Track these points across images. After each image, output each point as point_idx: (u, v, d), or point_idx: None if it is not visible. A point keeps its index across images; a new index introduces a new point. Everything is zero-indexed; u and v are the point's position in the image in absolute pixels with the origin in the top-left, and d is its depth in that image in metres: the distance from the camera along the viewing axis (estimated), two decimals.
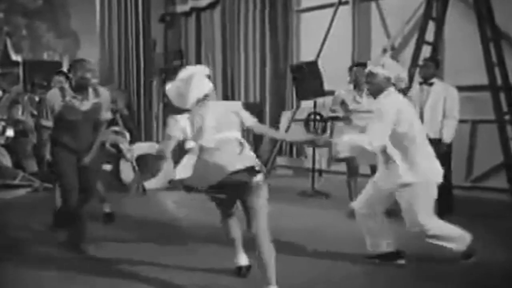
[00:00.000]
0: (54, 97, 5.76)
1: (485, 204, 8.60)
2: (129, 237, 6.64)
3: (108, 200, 7.53)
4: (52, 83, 7.54)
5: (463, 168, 9.48)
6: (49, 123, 5.82)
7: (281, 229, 5.97)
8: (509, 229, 6.91)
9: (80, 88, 5.75)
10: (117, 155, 9.85)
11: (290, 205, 8.54)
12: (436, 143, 7.16)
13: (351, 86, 7.74)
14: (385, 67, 5.25)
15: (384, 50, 10.99)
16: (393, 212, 7.06)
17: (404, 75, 5.35)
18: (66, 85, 5.89)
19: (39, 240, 6.43)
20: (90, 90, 5.82)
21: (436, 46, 8.99)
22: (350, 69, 8.03)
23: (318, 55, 10.83)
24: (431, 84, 7.30)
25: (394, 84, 5.23)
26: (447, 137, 7.17)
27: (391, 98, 5.15)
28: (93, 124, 5.95)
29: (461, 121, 8.70)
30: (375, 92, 5.25)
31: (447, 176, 7.29)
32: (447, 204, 7.31)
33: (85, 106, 5.78)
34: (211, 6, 14.54)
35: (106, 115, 6.10)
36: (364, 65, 7.91)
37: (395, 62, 5.55)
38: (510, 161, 8.19)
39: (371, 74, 5.28)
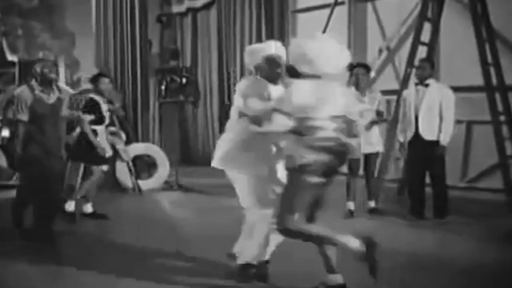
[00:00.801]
0: (24, 92, 6.21)
1: (481, 204, 8.62)
2: (123, 236, 6.65)
3: (92, 201, 7.62)
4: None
5: (458, 168, 9.51)
6: (24, 116, 6.14)
7: None
8: (504, 229, 6.93)
9: (45, 83, 6.28)
10: (113, 156, 9.85)
11: None
12: (432, 145, 7.19)
13: (352, 87, 7.67)
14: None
15: (380, 51, 11.01)
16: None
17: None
18: (33, 82, 6.29)
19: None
20: (54, 86, 6.40)
21: (432, 46, 9.00)
22: (351, 70, 8.01)
23: None
24: (426, 85, 7.29)
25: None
26: (444, 140, 7.17)
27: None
28: (57, 119, 6.40)
29: (457, 122, 8.72)
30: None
31: (442, 178, 7.34)
32: (442, 206, 7.33)
33: (51, 99, 6.29)
34: (207, 7, 14.55)
35: (66, 111, 6.70)
36: (364, 65, 7.95)
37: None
38: (506, 161, 8.21)
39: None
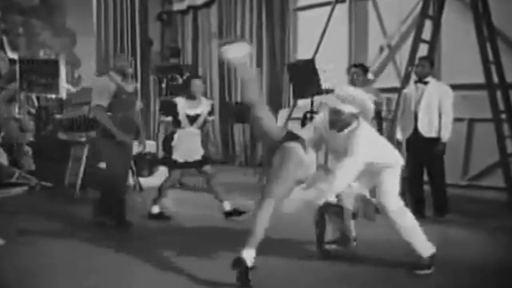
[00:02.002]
0: (106, 81, 6.77)
1: (482, 202, 8.61)
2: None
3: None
4: None
5: (459, 166, 9.50)
6: (105, 102, 6.65)
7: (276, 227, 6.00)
8: (505, 228, 6.92)
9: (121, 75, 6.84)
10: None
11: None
12: (431, 142, 7.19)
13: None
14: (349, 101, 5.02)
15: (381, 48, 11.00)
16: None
17: (370, 103, 5.12)
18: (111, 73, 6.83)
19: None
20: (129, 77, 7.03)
21: (433, 44, 8.99)
22: (348, 69, 8.06)
23: (315, 53, 10.82)
24: (426, 83, 7.31)
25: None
26: (444, 136, 7.17)
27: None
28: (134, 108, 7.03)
29: (458, 120, 8.72)
30: (342, 127, 5.09)
31: (441, 175, 7.33)
32: (442, 204, 7.32)
33: (130, 88, 6.91)
34: (208, 4, 14.56)
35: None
36: (361, 66, 7.97)
37: (359, 91, 5.31)
38: (507, 159, 8.20)
39: (337, 112, 5.05)
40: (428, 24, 8.95)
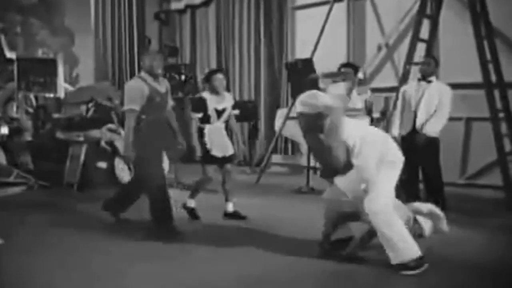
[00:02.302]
0: (138, 83, 6.49)
1: (479, 201, 8.63)
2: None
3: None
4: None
5: (457, 165, 9.52)
6: (137, 106, 6.35)
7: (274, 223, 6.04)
8: (502, 226, 6.93)
9: (153, 75, 6.55)
10: (112, 153, 9.86)
11: (284, 202, 8.61)
12: (428, 140, 7.20)
13: None
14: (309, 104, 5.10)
15: (379, 47, 11.01)
16: None
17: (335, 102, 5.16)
18: (142, 74, 6.57)
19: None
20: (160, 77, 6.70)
21: (431, 43, 9.00)
22: (339, 69, 8.03)
23: (313, 53, 10.83)
24: (429, 82, 7.31)
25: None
26: (430, 130, 7.14)
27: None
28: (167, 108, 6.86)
29: (456, 119, 8.75)
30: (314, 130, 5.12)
31: (438, 174, 7.32)
32: (439, 201, 7.29)
33: (163, 89, 6.64)
34: (206, 4, 14.56)
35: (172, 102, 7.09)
36: (351, 65, 7.92)
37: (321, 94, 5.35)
38: (504, 158, 8.21)
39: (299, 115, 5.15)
40: (426, 23, 8.97)
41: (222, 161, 7.35)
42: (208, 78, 7.36)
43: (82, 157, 9.58)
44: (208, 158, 7.27)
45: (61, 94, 12.94)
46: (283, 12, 12.85)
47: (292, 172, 12.17)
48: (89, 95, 11.51)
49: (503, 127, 8.43)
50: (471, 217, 7.42)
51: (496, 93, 8.45)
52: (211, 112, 7.24)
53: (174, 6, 15.25)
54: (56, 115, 11.38)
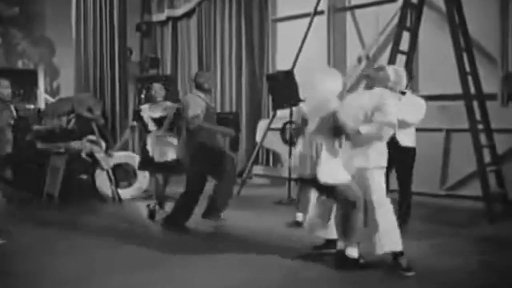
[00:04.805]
0: (195, 98, 7.24)
1: (459, 212, 8.67)
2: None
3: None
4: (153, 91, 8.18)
5: (437, 176, 9.57)
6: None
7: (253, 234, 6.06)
8: (481, 237, 6.99)
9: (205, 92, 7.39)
10: (93, 164, 9.82)
11: (264, 214, 8.61)
12: (404, 150, 7.21)
13: None
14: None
15: (359, 59, 11.08)
16: None
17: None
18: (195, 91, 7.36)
19: None
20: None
21: (411, 55, 9.07)
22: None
23: (294, 64, 10.88)
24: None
25: None
26: (403, 141, 7.09)
27: None
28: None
29: (436, 130, 8.82)
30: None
31: (408, 183, 7.27)
32: (405, 211, 7.25)
33: (213, 103, 7.57)
34: (187, 16, 14.57)
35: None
36: None
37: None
38: (484, 169, 8.27)
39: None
40: (405, 35, 9.04)
41: (162, 167, 7.79)
42: (147, 88, 7.86)
43: (62, 169, 9.52)
44: (150, 164, 7.78)
45: (41, 105, 12.88)
46: (264, 25, 12.89)
47: (273, 184, 12.16)
48: (70, 106, 11.45)
49: (483, 138, 8.49)
50: (450, 228, 7.47)
51: (475, 105, 8.52)
52: (147, 120, 7.75)
53: (156, 17, 15.24)
54: (36, 126, 11.29)
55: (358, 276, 5.29)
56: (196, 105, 7.11)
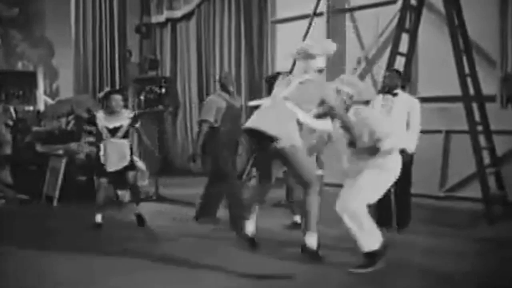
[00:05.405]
0: (216, 99, 7.54)
1: (459, 213, 8.67)
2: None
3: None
4: None
5: (437, 178, 9.57)
6: (211, 118, 7.35)
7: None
8: (480, 238, 6.98)
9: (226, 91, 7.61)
10: (91, 166, 9.80)
11: (262, 215, 8.58)
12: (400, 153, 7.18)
13: None
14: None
15: (359, 61, 11.09)
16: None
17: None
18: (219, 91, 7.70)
19: None
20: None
21: (410, 57, 9.07)
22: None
23: (293, 66, 10.85)
24: (395, 95, 7.19)
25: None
26: (410, 148, 7.05)
27: None
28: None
29: (435, 132, 8.82)
30: None
31: (407, 187, 7.25)
32: (404, 215, 7.26)
33: (237, 104, 7.79)
34: (186, 17, 14.58)
35: None
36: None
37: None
38: (483, 171, 8.27)
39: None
40: (405, 37, 9.04)
41: (115, 175, 7.75)
42: (105, 97, 7.74)
43: (62, 170, 9.52)
44: (101, 171, 7.67)
45: (40, 106, 12.87)
46: (263, 26, 12.89)
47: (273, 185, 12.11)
48: (69, 108, 11.45)
49: (482, 140, 8.49)
50: (449, 229, 7.46)
51: (475, 106, 8.51)
52: (101, 129, 7.65)
53: (155, 19, 15.25)
54: (35, 128, 11.29)
55: (358, 276, 5.28)
56: (208, 110, 7.35)
